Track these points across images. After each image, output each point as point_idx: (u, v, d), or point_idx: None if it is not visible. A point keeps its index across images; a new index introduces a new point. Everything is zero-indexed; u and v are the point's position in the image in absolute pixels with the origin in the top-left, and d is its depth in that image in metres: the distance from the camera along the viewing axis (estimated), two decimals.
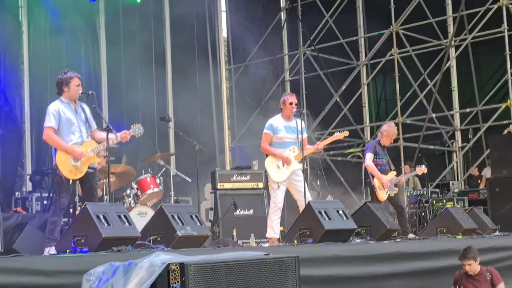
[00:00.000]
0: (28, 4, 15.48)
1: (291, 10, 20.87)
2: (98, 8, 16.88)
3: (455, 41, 18.65)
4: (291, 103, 10.06)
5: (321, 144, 10.31)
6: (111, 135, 8.59)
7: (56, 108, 8.53)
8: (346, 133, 10.62)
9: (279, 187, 9.89)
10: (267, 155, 10.14)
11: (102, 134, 8.72)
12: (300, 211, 9.76)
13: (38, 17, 15.56)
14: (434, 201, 15.92)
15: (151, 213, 10.65)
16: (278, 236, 9.94)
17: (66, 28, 15.86)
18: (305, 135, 10.17)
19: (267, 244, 9.75)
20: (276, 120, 10.12)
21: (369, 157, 11.50)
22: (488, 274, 8.37)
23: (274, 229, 9.86)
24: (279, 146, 10.03)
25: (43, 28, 15.60)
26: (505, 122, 17.45)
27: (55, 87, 8.77)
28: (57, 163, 8.38)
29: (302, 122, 10.20)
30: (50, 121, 8.47)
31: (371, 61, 19.91)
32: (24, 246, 10.08)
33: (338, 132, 10.53)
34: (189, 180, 12.80)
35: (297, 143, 10.01)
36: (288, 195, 10.19)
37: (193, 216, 8.47)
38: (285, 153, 9.93)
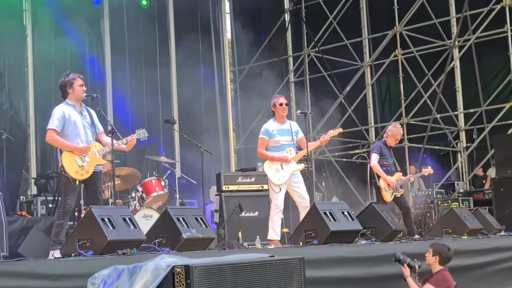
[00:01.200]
0: (33, 7, 15.50)
1: (295, 12, 20.87)
2: (102, 11, 16.91)
3: (458, 42, 18.64)
4: (281, 104, 10.10)
5: (326, 137, 10.25)
6: (117, 141, 8.63)
7: (61, 111, 8.56)
8: (340, 130, 10.59)
9: (280, 190, 9.91)
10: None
11: (108, 139, 8.74)
12: (300, 212, 9.84)
13: (42, 20, 15.59)
14: (439, 202, 15.91)
15: (156, 216, 10.65)
16: (279, 238, 9.96)
17: (70, 31, 15.88)
18: (301, 135, 10.22)
19: (272, 246, 9.76)
20: (270, 125, 10.16)
21: (374, 158, 11.51)
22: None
23: (275, 231, 9.88)
24: (276, 149, 10.06)
25: (48, 31, 15.63)
26: (509, 122, 17.45)
27: (59, 91, 8.79)
28: (63, 164, 8.39)
29: (295, 123, 10.29)
30: (53, 124, 8.49)
31: (375, 62, 19.89)
32: (29, 249, 10.11)
33: (331, 130, 10.48)
34: (195, 182, 12.82)
35: (293, 145, 10.08)
36: (288, 195, 10.20)
37: (199, 218, 8.47)
38: (282, 154, 9.96)
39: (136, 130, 8.96)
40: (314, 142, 10.45)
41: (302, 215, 9.74)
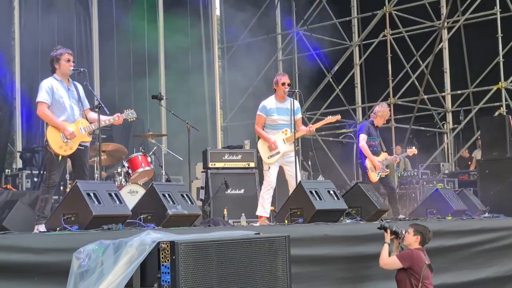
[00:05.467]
0: None
1: None
2: None
3: (447, 23, 18.63)
4: (283, 84, 10.03)
5: (313, 127, 10.33)
6: (103, 117, 8.60)
7: (49, 84, 8.53)
8: (339, 117, 10.62)
9: (269, 168, 9.91)
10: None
11: (94, 115, 8.72)
12: (290, 193, 9.80)
13: None
14: (425, 182, 15.96)
15: (142, 191, 10.64)
16: (268, 215, 9.96)
17: (57, 4, 15.76)
18: (299, 116, 10.15)
19: (257, 224, 9.77)
20: (269, 102, 10.09)
21: (362, 138, 11.52)
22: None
23: (265, 207, 9.88)
24: (272, 128, 10.05)
25: (35, 4, 15.49)
26: (496, 104, 17.47)
27: (49, 64, 8.76)
28: (48, 138, 8.38)
29: (296, 102, 10.17)
30: (42, 97, 8.46)
31: (364, 42, 19.88)
32: (14, 223, 10.04)
33: (330, 116, 10.54)
34: (181, 158, 12.80)
35: (290, 125, 10.01)
36: (280, 175, 10.19)
37: (184, 195, 8.46)
38: (274, 136, 9.96)
39: (125, 110, 9.00)
40: (318, 123, 10.59)
41: None
